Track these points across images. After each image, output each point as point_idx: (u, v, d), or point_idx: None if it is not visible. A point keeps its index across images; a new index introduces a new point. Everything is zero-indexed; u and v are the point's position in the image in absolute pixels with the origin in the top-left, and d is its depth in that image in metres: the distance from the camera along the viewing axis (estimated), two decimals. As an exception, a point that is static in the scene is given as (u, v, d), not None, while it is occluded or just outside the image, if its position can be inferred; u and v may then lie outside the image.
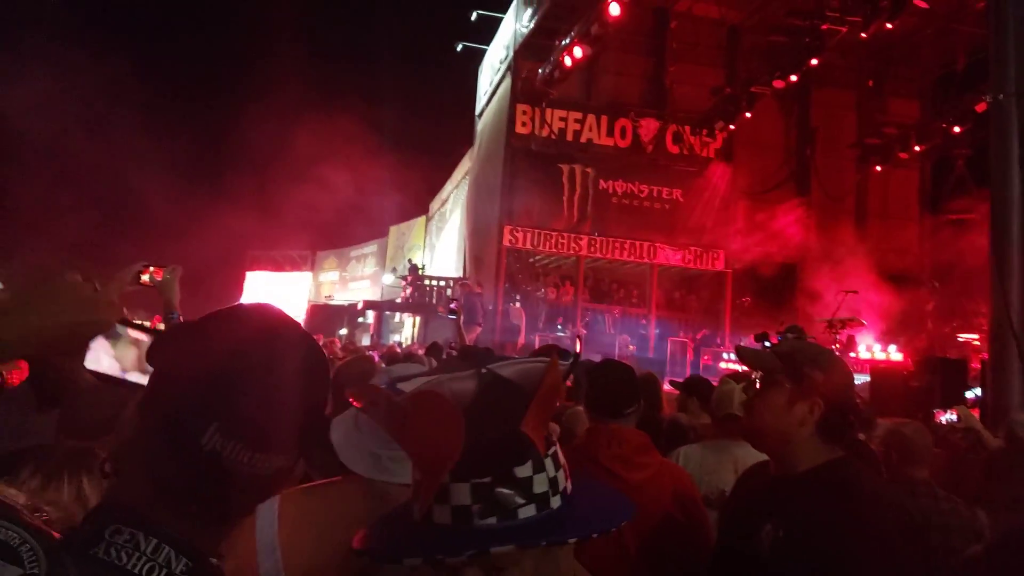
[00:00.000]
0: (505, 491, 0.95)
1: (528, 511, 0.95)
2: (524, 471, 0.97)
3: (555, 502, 0.97)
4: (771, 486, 1.85)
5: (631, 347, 15.45)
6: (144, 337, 1.33)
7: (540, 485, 0.97)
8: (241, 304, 1.12)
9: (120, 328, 1.31)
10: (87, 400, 2.33)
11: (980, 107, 12.46)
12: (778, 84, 15.01)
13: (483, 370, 1.11)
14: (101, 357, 1.29)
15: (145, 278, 2.37)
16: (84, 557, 0.80)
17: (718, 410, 3.45)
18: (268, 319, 0.96)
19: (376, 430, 1.60)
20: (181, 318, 2.64)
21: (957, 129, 15.14)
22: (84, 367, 1.28)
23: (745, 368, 2.19)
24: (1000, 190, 6.62)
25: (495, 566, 0.94)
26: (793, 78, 14.80)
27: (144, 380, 1.29)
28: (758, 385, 1.86)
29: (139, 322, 1.43)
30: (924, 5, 12.00)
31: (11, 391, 3.00)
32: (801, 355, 1.84)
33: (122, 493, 0.89)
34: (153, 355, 0.96)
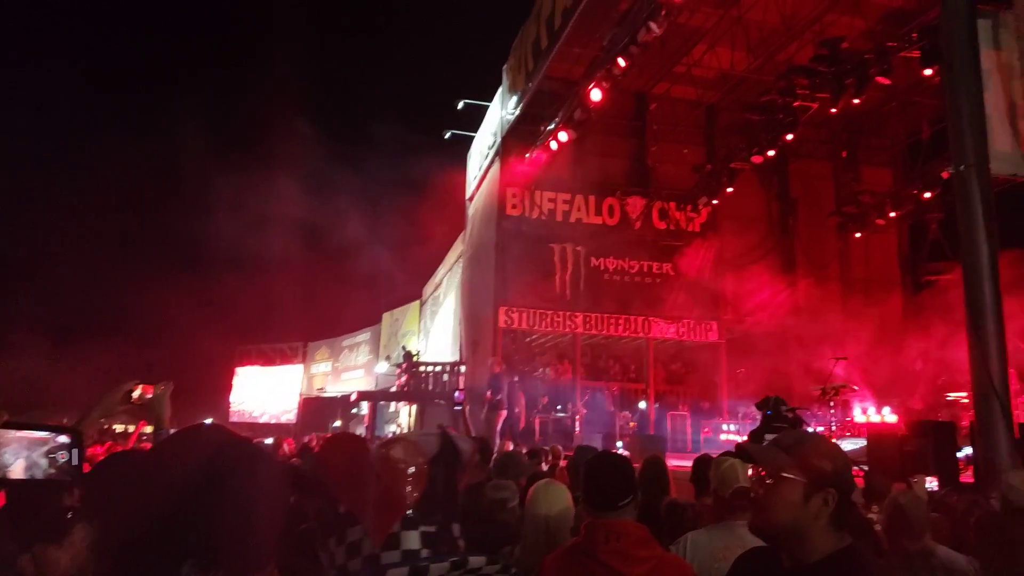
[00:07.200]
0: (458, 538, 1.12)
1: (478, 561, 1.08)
2: (456, 530, 1.14)
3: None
4: None
5: (632, 424, 15.52)
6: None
7: (461, 542, 1.15)
8: (182, 433, 1.10)
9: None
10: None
11: (945, 174, 12.96)
12: (756, 159, 15.65)
13: (443, 430, 1.26)
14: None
15: (136, 394, 2.35)
16: None
17: (723, 488, 3.35)
18: (214, 445, 0.94)
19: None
20: None
21: (928, 195, 15.71)
22: None
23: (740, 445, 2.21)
24: (969, 255, 6.95)
25: None
26: (770, 152, 15.46)
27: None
28: (768, 482, 1.85)
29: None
30: (886, 82, 12.66)
31: None
32: (807, 447, 1.86)
33: None
34: (95, 488, 0.96)
